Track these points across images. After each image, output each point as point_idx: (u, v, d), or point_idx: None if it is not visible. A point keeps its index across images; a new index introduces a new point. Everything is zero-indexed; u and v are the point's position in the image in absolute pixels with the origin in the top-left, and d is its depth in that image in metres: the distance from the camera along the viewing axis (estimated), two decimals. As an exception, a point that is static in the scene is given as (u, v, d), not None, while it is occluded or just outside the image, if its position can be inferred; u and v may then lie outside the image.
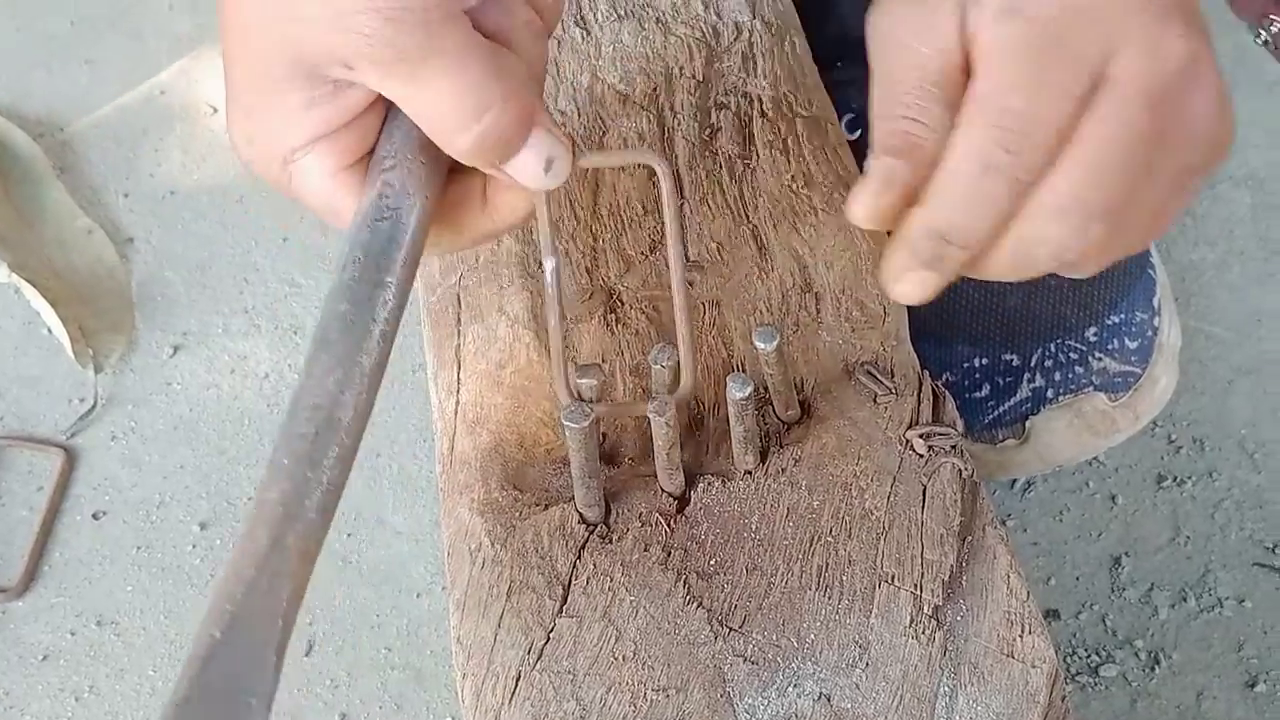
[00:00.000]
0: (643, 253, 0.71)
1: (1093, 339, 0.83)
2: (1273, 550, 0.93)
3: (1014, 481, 0.96)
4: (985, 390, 0.83)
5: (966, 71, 0.52)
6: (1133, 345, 0.84)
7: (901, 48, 0.53)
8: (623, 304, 0.69)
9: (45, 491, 0.98)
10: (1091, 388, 0.83)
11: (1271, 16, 0.62)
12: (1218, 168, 0.53)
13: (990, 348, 0.83)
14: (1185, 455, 0.98)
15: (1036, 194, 0.51)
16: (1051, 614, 0.91)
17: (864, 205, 0.53)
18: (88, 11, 1.28)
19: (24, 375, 1.05)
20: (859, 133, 0.87)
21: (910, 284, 0.54)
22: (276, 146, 0.52)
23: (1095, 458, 0.96)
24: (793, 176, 0.74)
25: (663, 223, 0.68)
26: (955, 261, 0.53)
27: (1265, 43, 0.64)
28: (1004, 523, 0.92)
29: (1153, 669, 0.89)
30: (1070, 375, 0.83)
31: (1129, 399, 0.84)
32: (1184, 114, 0.50)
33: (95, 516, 0.98)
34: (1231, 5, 0.70)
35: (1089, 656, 0.90)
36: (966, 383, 0.83)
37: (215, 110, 1.20)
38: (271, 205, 1.13)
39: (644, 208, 0.72)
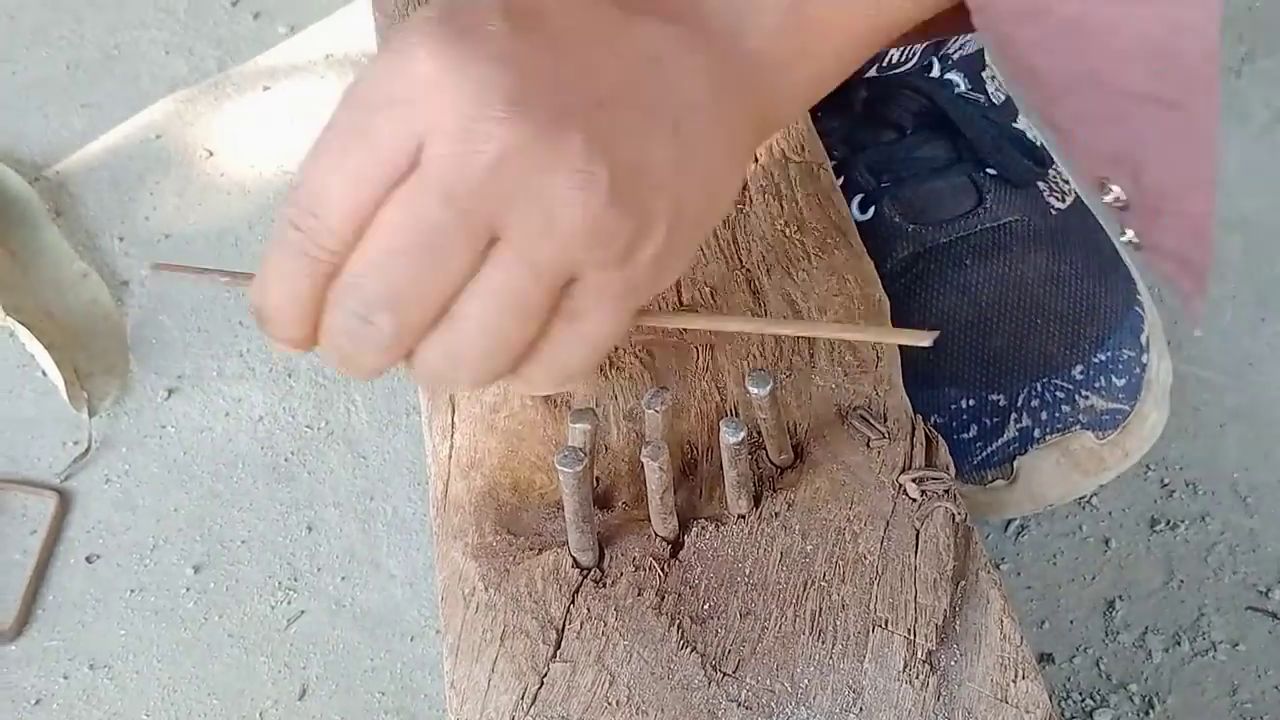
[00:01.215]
0: (637, 297, 0.71)
1: (1079, 377, 0.83)
2: (1266, 594, 0.93)
3: (1007, 525, 0.96)
4: (973, 431, 0.84)
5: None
6: (1120, 382, 0.84)
7: None
8: (616, 348, 0.69)
9: (39, 534, 0.98)
10: (1079, 426, 0.83)
11: (1108, 184, 0.62)
12: (619, 260, 0.51)
13: (977, 389, 0.83)
14: (1178, 499, 0.98)
15: (338, 274, 0.51)
16: (1046, 658, 0.91)
17: None
18: (83, 55, 1.28)
19: (18, 418, 1.05)
20: (840, 179, 0.88)
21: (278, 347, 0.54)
22: None
23: (1088, 501, 0.96)
24: (786, 222, 0.74)
25: None
26: (278, 338, 0.53)
27: (1110, 203, 0.63)
28: (998, 566, 0.92)
29: (1147, 713, 0.89)
30: (1057, 414, 0.83)
31: (1118, 436, 0.84)
32: (520, 200, 0.49)
33: (89, 559, 0.97)
34: (1072, 175, 0.69)
35: (1083, 700, 0.89)
36: (954, 424, 0.84)
37: (210, 154, 1.20)
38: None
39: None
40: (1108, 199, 0.61)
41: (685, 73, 0.53)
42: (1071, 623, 0.93)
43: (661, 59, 0.53)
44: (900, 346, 0.72)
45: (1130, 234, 0.62)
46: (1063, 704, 0.89)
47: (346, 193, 0.50)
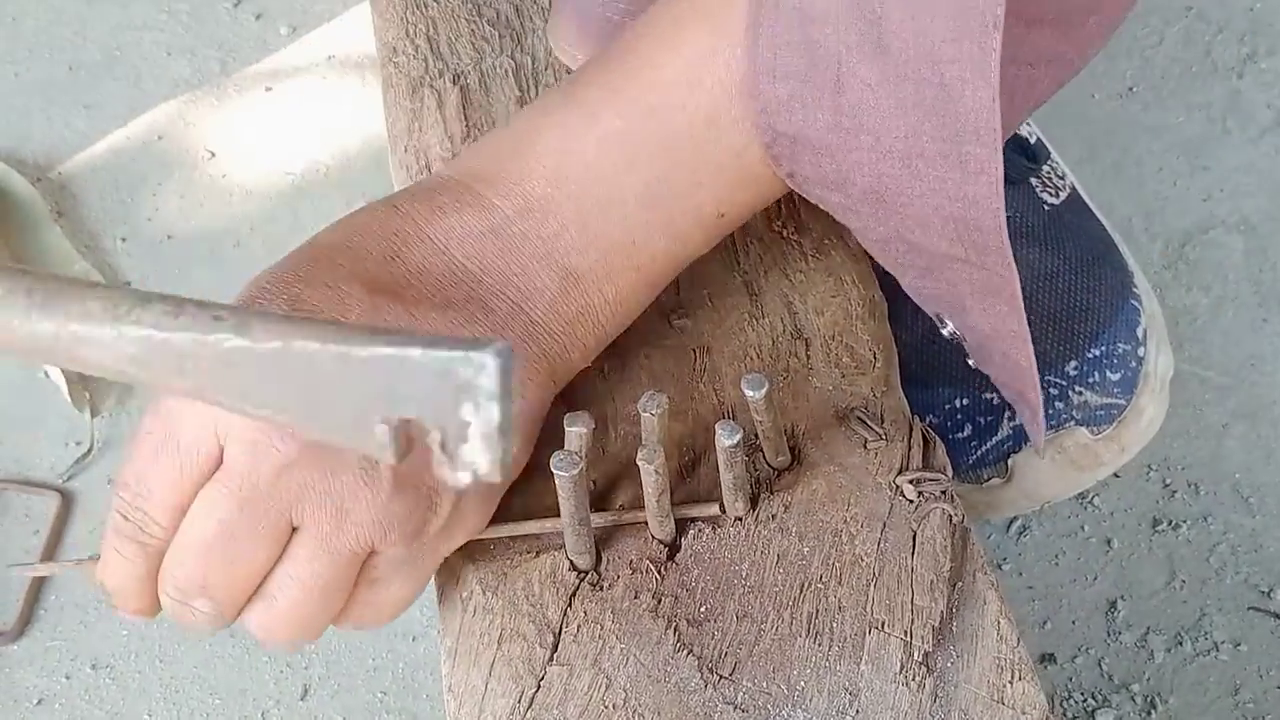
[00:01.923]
0: (635, 299, 0.71)
1: (1073, 373, 0.83)
2: (1268, 594, 0.93)
3: (1009, 525, 0.96)
4: (968, 430, 0.84)
5: None
6: (1115, 377, 0.84)
7: None
8: (613, 351, 0.69)
9: (42, 535, 0.98)
10: (1073, 422, 0.83)
11: (943, 319, 0.66)
12: (413, 534, 0.56)
13: (970, 388, 0.83)
14: (1180, 499, 0.98)
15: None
16: (1048, 658, 0.91)
17: None
18: (86, 57, 1.28)
19: (21, 418, 1.05)
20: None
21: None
22: None
23: (1090, 502, 0.96)
24: (783, 223, 0.74)
25: None
26: (123, 611, 0.60)
27: (952, 335, 0.67)
28: (999, 567, 0.92)
29: (1149, 713, 0.89)
30: (1050, 411, 0.83)
31: (1113, 432, 0.84)
32: (314, 494, 0.55)
33: (92, 559, 0.98)
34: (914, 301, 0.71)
35: (1085, 700, 0.89)
36: (949, 424, 0.84)
37: (213, 155, 1.21)
38: (267, 249, 1.14)
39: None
40: (945, 332, 0.66)
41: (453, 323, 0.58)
42: (1074, 623, 0.93)
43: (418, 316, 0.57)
44: (899, 348, 0.72)
45: (973, 361, 0.68)
46: (1065, 704, 0.89)
47: (163, 488, 0.55)
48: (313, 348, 0.41)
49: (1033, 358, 0.62)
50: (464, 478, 0.40)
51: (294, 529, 0.56)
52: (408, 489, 0.55)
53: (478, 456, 0.40)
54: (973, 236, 0.57)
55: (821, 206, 0.63)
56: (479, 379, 0.39)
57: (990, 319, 0.62)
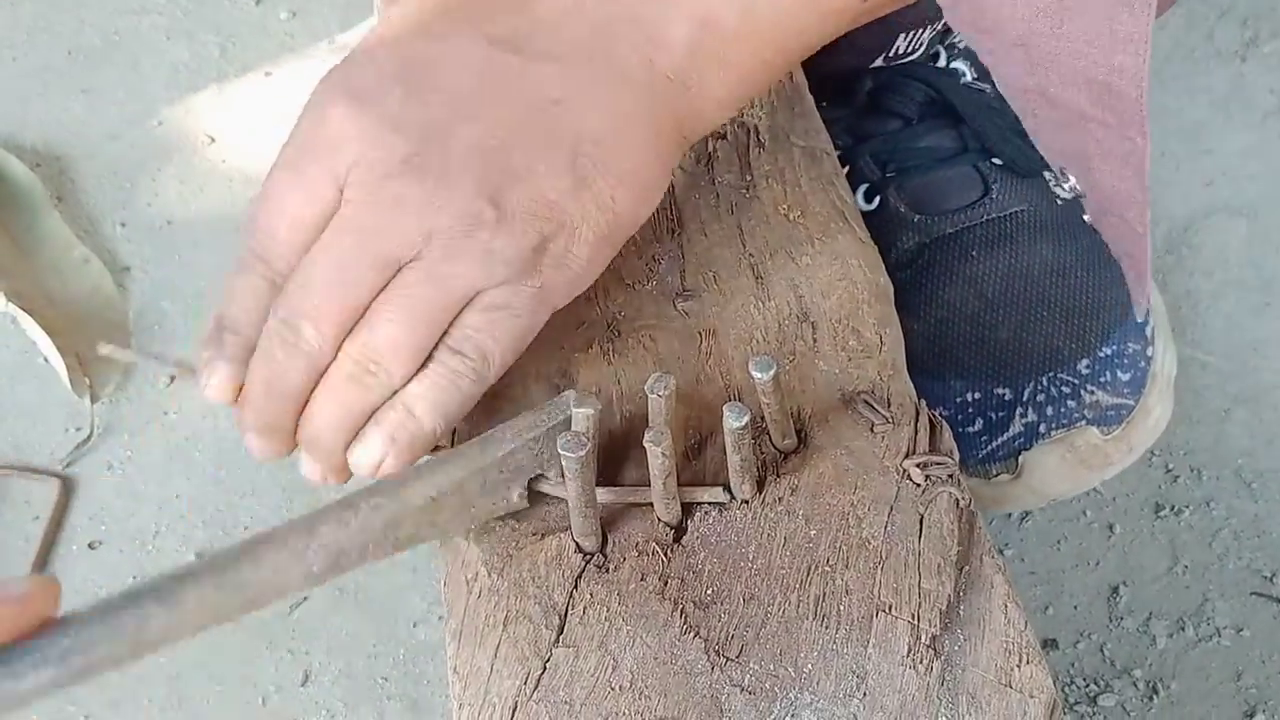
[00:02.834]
0: (639, 282, 0.71)
1: (1085, 372, 0.83)
2: (1270, 579, 0.93)
3: (1010, 513, 0.96)
4: (978, 425, 0.83)
5: None
6: (1125, 377, 0.83)
7: None
8: (619, 333, 0.69)
9: (41, 521, 0.98)
10: (1084, 421, 0.83)
11: (1065, 174, 0.68)
12: (518, 277, 0.61)
13: (982, 382, 0.83)
14: (1182, 484, 0.98)
15: None
16: (1050, 643, 0.91)
17: None
18: (84, 41, 1.28)
19: (20, 404, 1.05)
20: (845, 169, 0.88)
21: (210, 375, 0.62)
22: None
23: (1092, 487, 0.96)
24: (789, 206, 0.74)
25: (666, 252, 0.68)
26: (234, 346, 0.62)
27: (1072, 190, 0.69)
28: (1001, 552, 0.92)
29: (1151, 698, 0.89)
30: (1062, 409, 0.83)
31: (1122, 432, 0.84)
32: (413, 241, 0.59)
33: (91, 546, 0.97)
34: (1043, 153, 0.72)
35: (1087, 686, 0.89)
36: (960, 417, 0.83)
37: (212, 140, 1.20)
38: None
39: (640, 237, 0.72)
40: (1066, 185, 0.71)
41: (586, 110, 0.61)
42: (1076, 608, 0.93)
43: (561, 100, 0.60)
44: (905, 338, 0.71)
45: (1087, 216, 0.69)
46: (1067, 689, 0.89)
47: (290, 231, 0.60)
48: (460, 476, 0.54)
49: (1148, 224, 0.65)
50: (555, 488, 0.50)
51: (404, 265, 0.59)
52: (514, 230, 0.59)
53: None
54: (1114, 103, 0.58)
55: (971, 47, 0.65)
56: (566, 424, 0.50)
57: (1115, 181, 0.63)
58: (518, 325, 0.61)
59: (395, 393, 0.61)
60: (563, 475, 0.50)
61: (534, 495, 0.62)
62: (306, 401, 0.61)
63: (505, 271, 0.59)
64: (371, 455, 0.61)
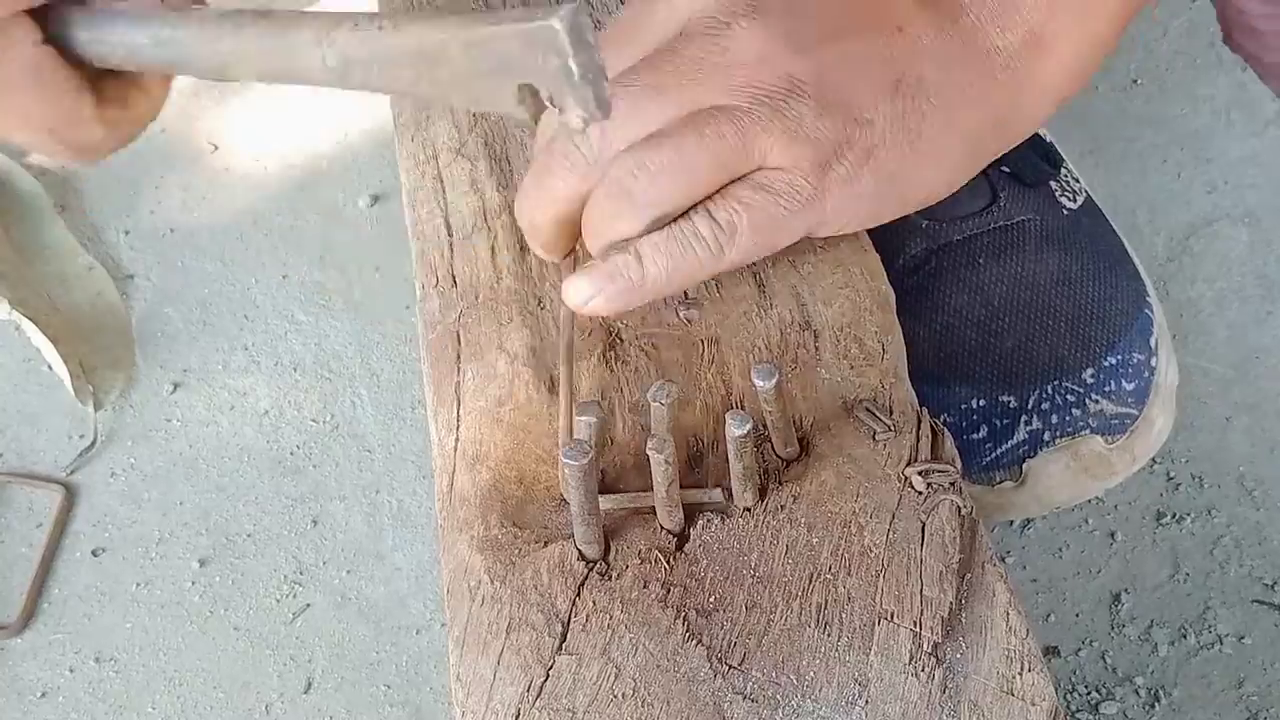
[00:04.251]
0: (642, 290, 0.71)
1: (1090, 381, 0.83)
2: (1272, 587, 0.93)
3: (1013, 520, 0.96)
4: (983, 432, 0.83)
5: None
6: (1129, 387, 0.83)
7: None
8: (622, 341, 0.69)
9: (44, 528, 0.98)
10: (1088, 430, 0.83)
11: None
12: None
13: (988, 389, 0.83)
14: (1184, 492, 0.98)
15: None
16: (1051, 651, 0.91)
17: None
18: (89, 50, 1.28)
19: (24, 412, 1.05)
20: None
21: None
22: None
23: (1093, 497, 0.96)
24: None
25: None
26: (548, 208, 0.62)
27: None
28: (1003, 560, 0.92)
29: (1153, 706, 0.89)
30: (1067, 418, 0.83)
31: (1126, 441, 0.84)
32: (731, 90, 0.60)
33: (95, 553, 0.98)
34: (1226, 41, 0.73)
35: (1089, 694, 0.89)
36: (964, 424, 0.83)
37: (215, 148, 1.21)
38: (271, 243, 1.14)
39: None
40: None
41: (920, 48, 0.62)
42: (1077, 616, 0.93)
43: (903, 29, 0.62)
44: (907, 343, 0.71)
45: None
46: (1068, 697, 0.89)
47: (616, 49, 0.62)
48: (442, 38, 0.50)
49: None
50: (577, 120, 0.47)
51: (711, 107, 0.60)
52: (828, 120, 0.60)
53: (577, 100, 0.47)
54: None
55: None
56: (558, 40, 0.46)
57: None
58: (775, 218, 0.61)
59: (628, 239, 0.61)
60: (556, 100, 0.49)
61: (540, 508, 0.62)
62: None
63: (799, 153, 0.60)
64: (583, 291, 0.61)
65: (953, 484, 0.62)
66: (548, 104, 0.48)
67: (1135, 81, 1.21)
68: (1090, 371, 0.83)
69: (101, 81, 0.58)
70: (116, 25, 0.56)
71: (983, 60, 0.64)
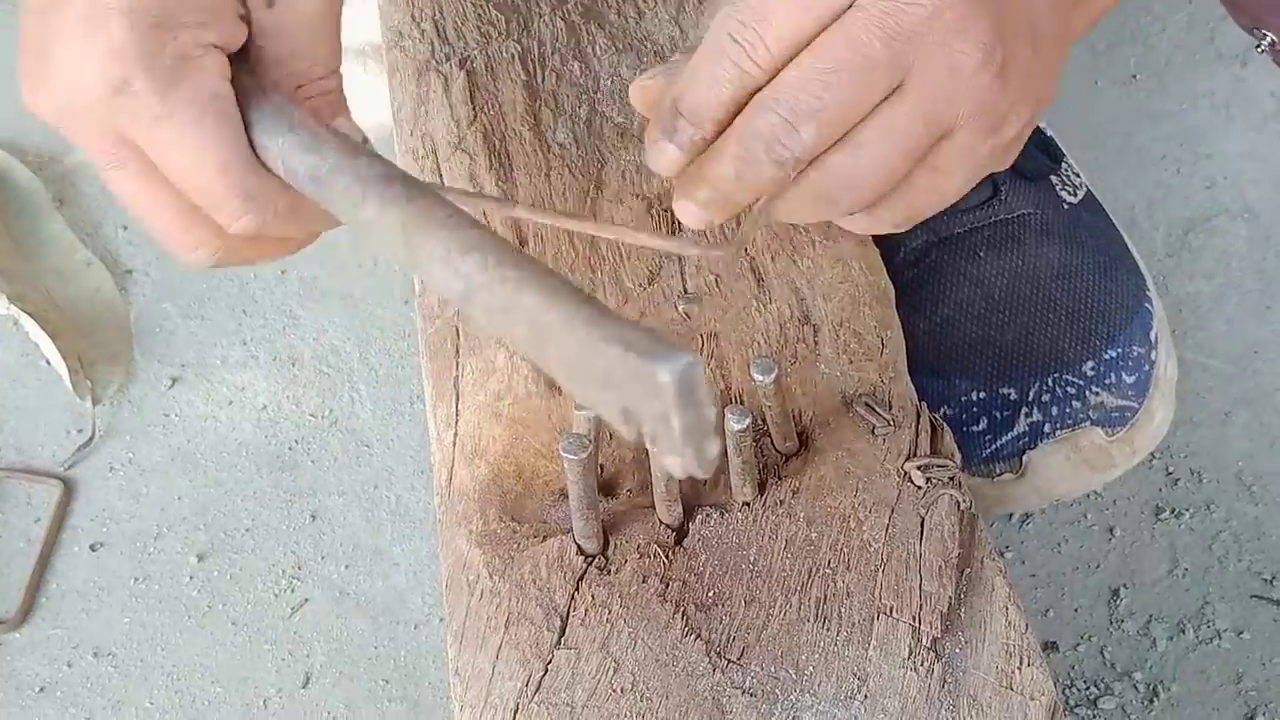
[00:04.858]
0: (640, 284, 0.71)
1: (1090, 373, 0.83)
2: (1270, 582, 0.93)
3: (1012, 514, 0.96)
4: (983, 424, 0.83)
5: None
6: (1130, 379, 0.84)
7: None
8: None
9: (43, 523, 0.98)
10: (1089, 422, 0.83)
11: (1263, 30, 0.68)
12: (995, 132, 0.58)
13: (988, 382, 0.83)
14: (1183, 487, 0.98)
15: (760, 89, 0.56)
16: (1050, 646, 0.91)
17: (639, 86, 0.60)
18: (88, 44, 1.28)
19: (22, 406, 1.05)
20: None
21: (655, 153, 0.57)
22: None
23: (1093, 490, 0.96)
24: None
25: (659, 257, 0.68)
26: (685, 135, 0.57)
27: (1263, 51, 0.68)
28: (1002, 554, 0.92)
29: (1151, 701, 0.89)
30: (1067, 410, 0.83)
31: (1126, 433, 0.84)
32: (934, 60, 0.55)
33: (93, 548, 0.97)
34: (1231, 15, 0.72)
35: (1088, 688, 0.89)
36: (964, 416, 0.83)
37: (214, 142, 1.20)
38: (270, 237, 1.14)
39: (642, 240, 0.72)
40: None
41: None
42: (1076, 611, 0.93)
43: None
44: (907, 336, 0.71)
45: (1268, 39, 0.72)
46: (1067, 692, 0.89)
47: (790, 17, 0.55)
48: (553, 316, 0.46)
49: None
50: (670, 467, 0.44)
51: (897, 87, 0.56)
52: (1007, 83, 0.57)
53: (673, 451, 0.43)
54: None
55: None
56: (661, 391, 0.42)
57: None
58: (969, 178, 0.60)
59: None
60: (652, 439, 0.45)
61: (539, 503, 0.62)
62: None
63: (983, 123, 0.57)
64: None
65: (952, 479, 0.62)
66: (650, 443, 0.44)
67: (1135, 77, 1.21)
68: (1090, 364, 0.83)
69: None
70: (277, 136, 0.54)
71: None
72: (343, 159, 0.53)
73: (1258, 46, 0.73)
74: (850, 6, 0.55)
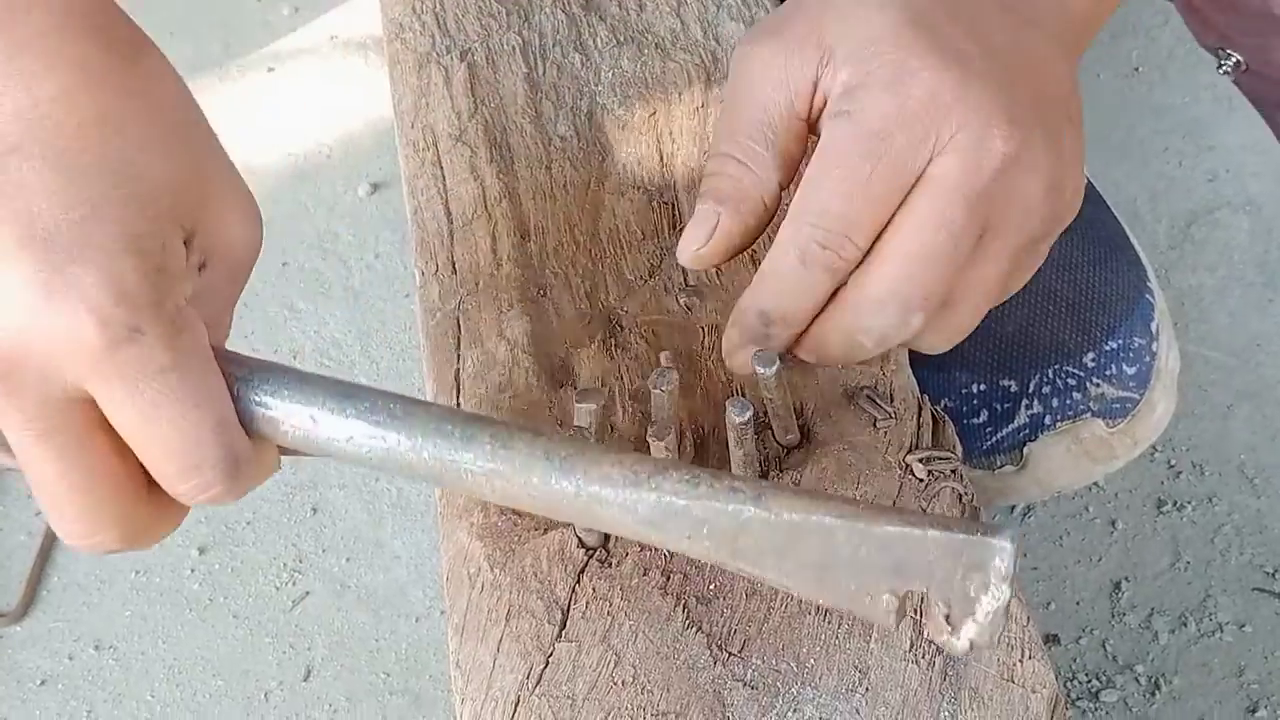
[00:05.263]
0: (642, 277, 0.71)
1: (1091, 365, 0.83)
2: (1273, 575, 0.93)
3: (1014, 506, 0.96)
4: (983, 416, 0.83)
5: (809, 121, 0.59)
6: (1130, 371, 0.83)
7: (751, 86, 0.60)
8: (622, 328, 0.69)
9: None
10: (1089, 414, 0.83)
11: (1227, 50, 0.68)
12: (1060, 228, 0.60)
13: (988, 373, 0.83)
14: (1185, 480, 0.98)
15: (858, 285, 0.57)
16: (1052, 639, 0.91)
17: (685, 249, 0.61)
18: (88, 37, 1.28)
19: (23, 400, 1.05)
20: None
21: (742, 359, 0.60)
22: None
23: (1095, 483, 0.96)
24: (790, 199, 0.74)
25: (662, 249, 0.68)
26: (780, 339, 0.59)
27: (1225, 72, 0.68)
28: (1004, 547, 0.92)
29: (1153, 694, 0.89)
30: (1068, 401, 0.83)
31: (1127, 425, 0.84)
32: (1009, 204, 0.56)
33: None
34: (1196, 36, 0.72)
35: (1089, 681, 0.89)
36: (965, 408, 0.83)
37: (215, 135, 1.20)
38: (270, 231, 1.13)
39: (643, 232, 0.72)
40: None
41: (1063, 77, 0.60)
42: (1078, 604, 0.93)
43: (1072, 119, 0.60)
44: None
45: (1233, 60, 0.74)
46: (1069, 685, 0.89)
47: (869, 209, 0.56)
48: (829, 522, 0.46)
49: None
50: (963, 646, 0.45)
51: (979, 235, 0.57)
52: (1059, 192, 0.58)
53: (981, 631, 0.45)
54: None
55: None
56: (995, 561, 0.44)
57: None
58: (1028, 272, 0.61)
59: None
60: (953, 619, 0.47)
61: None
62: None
63: (1044, 231, 0.59)
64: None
65: (954, 471, 0.62)
66: (937, 616, 0.46)
67: (1137, 69, 1.21)
68: (1091, 356, 0.83)
69: None
70: (310, 403, 0.52)
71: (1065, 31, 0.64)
72: (408, 410, 0.51)
73: (1219, 67, 0.73)
74: (920, 178, 0.56)
